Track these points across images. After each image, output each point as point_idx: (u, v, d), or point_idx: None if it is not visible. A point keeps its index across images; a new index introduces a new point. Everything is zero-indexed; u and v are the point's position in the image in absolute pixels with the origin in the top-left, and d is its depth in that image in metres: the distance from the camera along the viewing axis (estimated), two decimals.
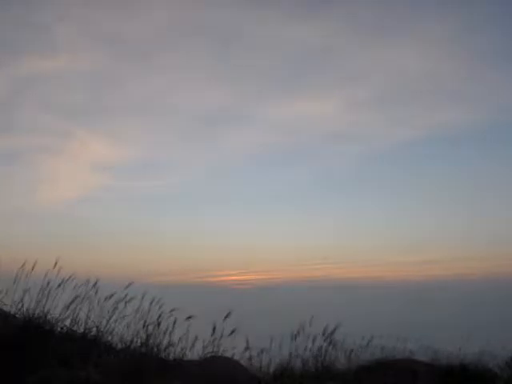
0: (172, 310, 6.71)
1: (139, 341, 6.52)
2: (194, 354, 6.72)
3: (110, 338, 6.63)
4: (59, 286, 6.65)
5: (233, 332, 6.54)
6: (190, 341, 6.64)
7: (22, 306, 6.51)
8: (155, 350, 6.49)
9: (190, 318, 6.58)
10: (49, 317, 6.47)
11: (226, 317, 6.66)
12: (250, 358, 6.98)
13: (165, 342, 6.56)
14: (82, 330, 6.60)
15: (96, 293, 6.75)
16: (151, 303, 6.75)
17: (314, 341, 7.21)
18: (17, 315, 6.52)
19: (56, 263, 6.73)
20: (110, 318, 6.66)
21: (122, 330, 6.66)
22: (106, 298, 6.72)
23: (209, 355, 6.71)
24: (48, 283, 6.63)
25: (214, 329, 6.62)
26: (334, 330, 7.14)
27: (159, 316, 6.64)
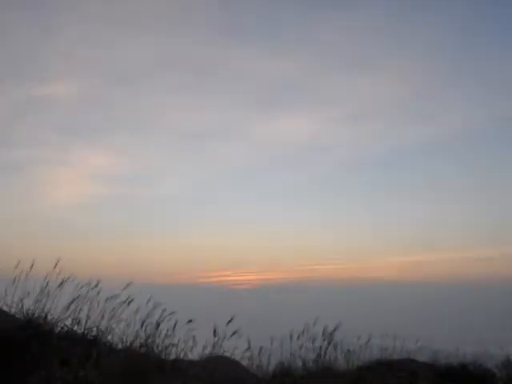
0: (172, 312, 6.69)
1: (139, 341, 6.51)
2: (195, 354, 6.71)
3: (110, 338, 6.62)
4: (60, 286, 6.63)
5: (234, 334, 6.52)
6: (190, 341, 6.62)
7: (22, 306, 6.50)
8: (156, 350, 6.48)
9: (190, 321, 6.55)
10: (49, 317, 6.46)
11: (228, 322, 6.58)
12: (251, 358, 6.97)
13: (165, 343, 6.55)
14: (82, 330, 6.59)
15: (98, 294, 6.73)
16: (151, 303, 6.74)
17: (313, 341, 7.19)
18: (17, 315, 6.52)
19: (56, 264, 6.72)
20: (111, 319, 6.64)
21: (123, 330, 6.64)
22: (106, 299, 6.70)
23: (209, 355, 6.70)
24: (48, 283, 6.62)
25: (214, 330, 6.59)
26: (334, 330, 7.12)
27: (160, 316, 6.62)
